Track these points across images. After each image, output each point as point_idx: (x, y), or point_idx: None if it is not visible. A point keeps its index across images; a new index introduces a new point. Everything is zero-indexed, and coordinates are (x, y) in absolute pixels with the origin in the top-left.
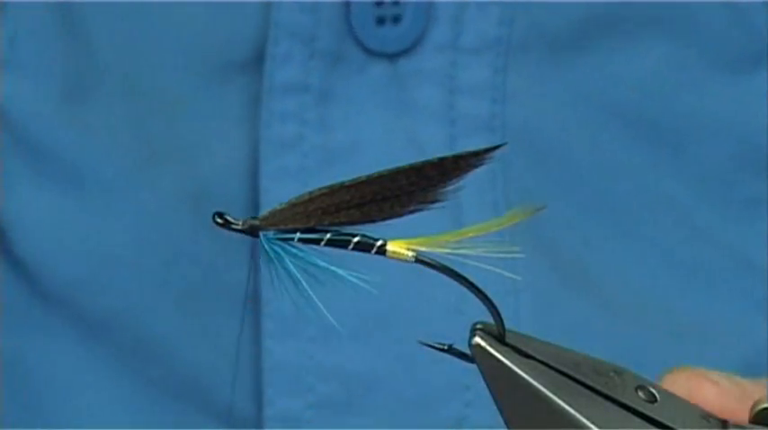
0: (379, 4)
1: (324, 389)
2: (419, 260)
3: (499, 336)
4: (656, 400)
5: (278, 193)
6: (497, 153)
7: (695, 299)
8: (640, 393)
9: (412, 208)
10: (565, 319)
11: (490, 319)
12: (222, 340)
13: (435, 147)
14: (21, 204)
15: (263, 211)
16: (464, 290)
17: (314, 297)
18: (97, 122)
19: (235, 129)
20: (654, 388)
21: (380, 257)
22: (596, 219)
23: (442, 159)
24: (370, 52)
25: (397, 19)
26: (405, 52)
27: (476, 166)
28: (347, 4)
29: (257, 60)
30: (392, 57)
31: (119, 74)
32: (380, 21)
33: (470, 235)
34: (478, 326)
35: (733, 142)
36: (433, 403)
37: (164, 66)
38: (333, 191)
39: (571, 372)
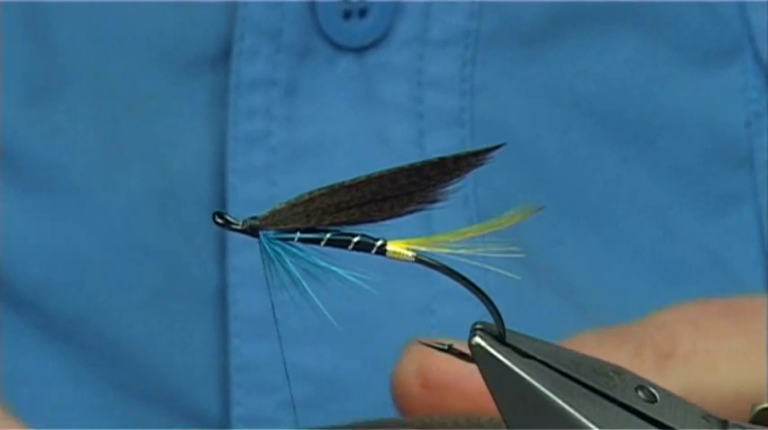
0: None
1: (293, 389)
2: (419, 260)
3: (499, 336)
4: (656, 400)
5: (245, 191)
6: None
7: (668, 298)
8: (640, 393)
9: (412, 208)
10: (537, 321)
11: (463, 319)
12: (190, 341)
13: (403, 142)
14: None
15: (263, 211)
16: (434, 289)
17: (314, 297)
18: (62, 123)
19: (202, 126)
20: (654, 388)
21: (351, 255)
22: (567, 217)
23: (442, 159)
24: (336, 46)
25: (363, 13)
26: (372, 46)
27: (476, 166)
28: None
29: (224, 56)
30: (359, 51)
31: (84, 73)
32: (347, 15)
33: (470, 235)
34: (478, 325)
35: (705, 138)
36: None
37: (130, 64)
38: (333, 191)
39: (571, 372)
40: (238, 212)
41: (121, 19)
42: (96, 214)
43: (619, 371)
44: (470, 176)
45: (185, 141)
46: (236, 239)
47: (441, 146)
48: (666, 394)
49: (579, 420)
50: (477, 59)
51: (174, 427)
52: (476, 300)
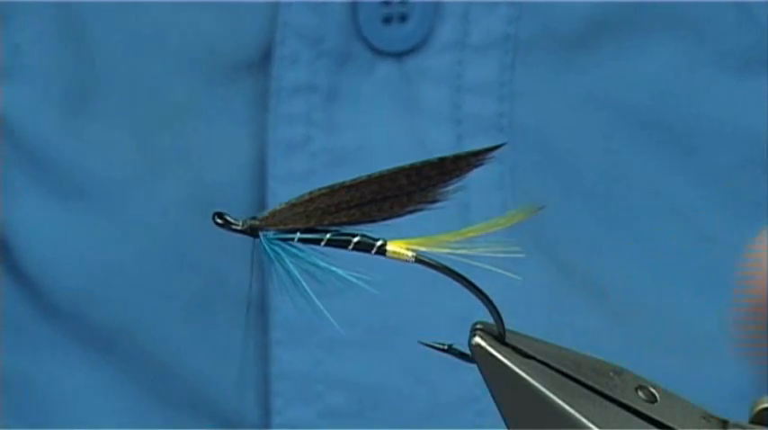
0: (386, 4)
1: (333, 398)
2: (419, 260)
3: (499, 336)
4: (656, 400)
5: (286, 197)
6: (504, 153)
7: (706, 307)
8: (640, 393)
9: (412, 208)
10: (575, 331)
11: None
12: (229, 350)
13: (442, 147)
14: (24, 217)
15: (263, 212)
16: (473, 297)
17: (314, 297)
18: (100, 132)
19: (240, 132)
20: (654, 388)
21: (392, 264)
22: (605, 223)
23: (442, 159)
24: (377, 51)
25: (404, 18)
26: (412, 51)
27: (476, 166)
28: (354, 4)
29: (261, 62)
30: (399, 56)
31: (120, 80)
32: (387, 20)
33: (471, 235)
34: (478, 325)
35: (744, 145)
36: (444, 413)
37: (166, 70)
38: (333, 191)
39: (571, 372)
40: None
41: (158, 25)
42: (135, 224)
43: (619, 371)
44: (508, 183)
45: (223, 148)
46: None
47: None
48: (666, 394)
49: (579, 420)
50: (516, 64)
51: None
52: (515, 309)
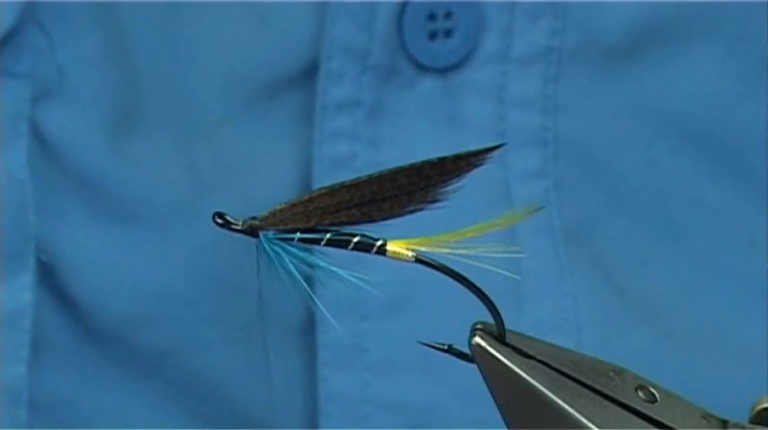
0: (431, 18)
1: (381, 419)
2: (419, 260)
3: (499, 336)
4: (656, 400)
5: None
6: (548, 167)
7: (756, 319)
8: (640, 393)
9: (412, 208)
10: (628, 351)
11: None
12: (277, 373)
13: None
14: (71, 241)
15: (263, 212)
16: (526, 320)
17: (314, 297)
18: (146, 153)
19: (284, 149)
20: (654, 388)
21: (443, 284)
22: (652, 236)
23: (442, 159)
24: (421, 67)
25: (448, 33)
26: (456, 66)
27: (476, 166)
28: (400, 20)
29: (304, 78)
30: (442, 71)
31: (166, 101)
32: (432, 35)
33: (471, 235)
34: (478, 325)
35: None
36: None
37: (210, 89)
38: (333, 191)
39: (571, 372)
40: None
41: (201, 43)
42: (180, 247)
43: (619, 371)
44: (554, 198)
45: (268, 165)
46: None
47: (524, 165)
48: (666, 394)
49: (579, 420)
50: (559, 77)
51: None
52: (565, 328)
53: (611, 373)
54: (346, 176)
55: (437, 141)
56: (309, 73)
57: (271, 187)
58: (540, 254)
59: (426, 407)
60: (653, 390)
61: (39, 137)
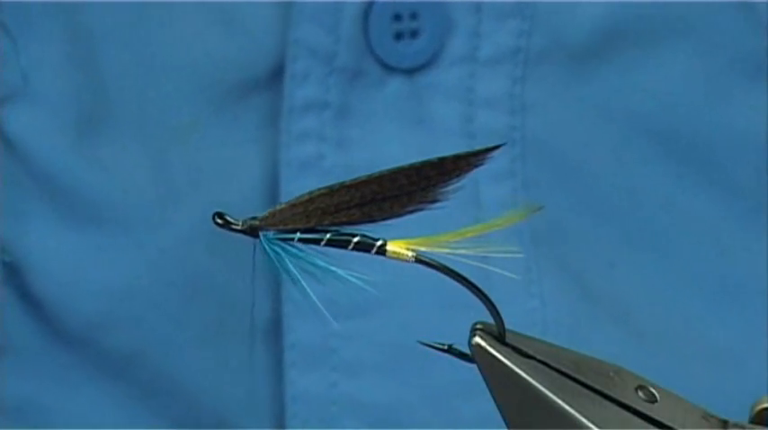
0: (396, 19)
1: (349, 420)
2: (419, 260)
3: (499, 336)
4: (656, 400)
5: None
6: (517, 167)
7: (727, 321)
8: (640, 393)
9: (412, 208)
10: (596, 352)
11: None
12: (244, 373)
13: None
14: (37, 243)
15: (263, 212)
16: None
17: (314, 297)
18: (112, 155)
19: (251, 151)
20: (654, 388)
21: (411, 283)
22: (620, 238)
23: (441, 159)
24: (388, 68)
25: (414, 34)
26: (423, 67)
27: (476, 166)
28: (365, 21)
29: (271, 80)
30: (410, 72)
31: (131, 103)
32: (398, 36)
33: (470, 235)
34: (478, 326)
35: (759, 153)
36: None
37: (176, 91)
38: (333, 191)
39: (571, 372)
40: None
41: (167, 45)
42: (148, 249)
43: (619, 371)
44: (522, 199)
45: (235, 168)
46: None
47: (492, 166)
48: (666, 394)
49: (579, 420)
50: (527, 77)
51: None
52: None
53: (611, 373)
54: (314, 178)
55: (405, 142)
56: (276, 75)
57: (239, 190)
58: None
59: (394, 408)
60: (653, 390)
61: (4, 139)
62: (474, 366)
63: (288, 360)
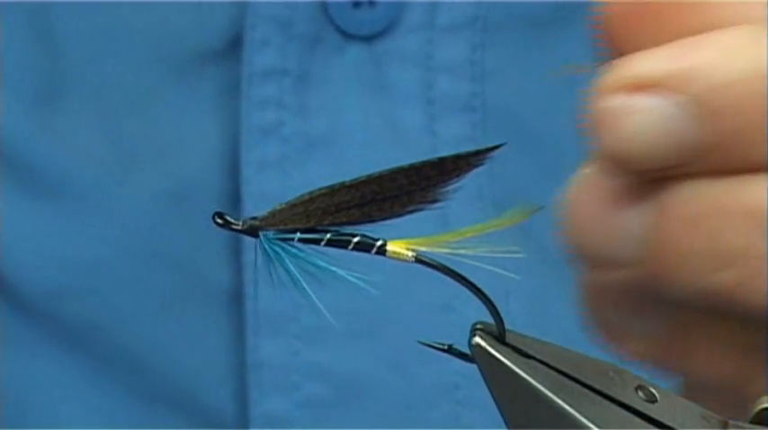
0: None
1: (311, 388)
2: (419, 260)
3: (499, 336)
4: (656, 400)
5: (259, 184)
6: (477, 135)
7: None
8: (640, 393)
9: (412, 208)
10: (555, 319)
11: (482, 316)
12: (206, 342)
13: (415, 129)
14: None
15: (264, 211)
16: (455, 288)
17: (314, 297)
18: (70, 127)
19: (211, 120)
20: (654, 388)
21: (373, 256)
22: None
23: (442, 159)
24: (346, 35)
25: (372, 2)
26: (381, 34)
27: (476, 166)
28: None
29: (230, 49)
30: (369, 39)
31: (89, 75)
32: (356, 4)
33: (470, 235)
34: (478, 326)
35: None
36: (423, 403)
37: (135, 61)
38: (333, 191)
39: (571, 372)
40: (253, 206)
41: (123, 16)
42: (107, 219)
43: (619, 371)
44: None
45: (195, 138)
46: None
47: (452, 132)
48: (666, 394)
49: (579, 420)
50: (486, 44)
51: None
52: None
53: (611, 373)
54: (274, 145)
55: (365, 109)
56: (235, 44)
57: (198, 159)
58: (469, 220)
59: (356, 376)
60: (653, 390)
61: None
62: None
63: (250, 328)
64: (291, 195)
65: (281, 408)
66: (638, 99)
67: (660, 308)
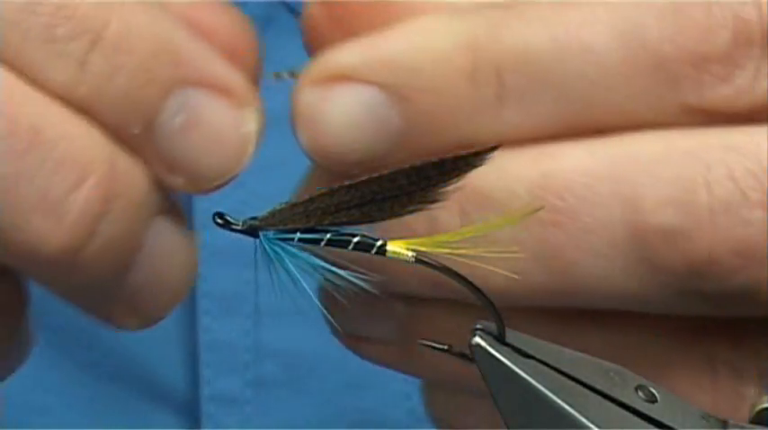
0: None
1: (262, 367)
2: (419, 260)
3: (499, 337)
4: (656, 400)
5: None
6: None
7: None
8: (640, 393)
9: (412, 208)
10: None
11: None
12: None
13: None
14: None
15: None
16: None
17: (313, 298)
18: None
19: None
20: (654, 388)
21: None
22: None
23: (442, 159)
24: (298, 14)
25: None
26: None
27: (476, 166)
28: None
29: None
30: None
31: None
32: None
33: (471, 235)
34: (478, 326)
35: None
36: (374, 381)
37: None
38: (333, 191)
39: (571, 372)
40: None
41: None
42: None
43: (619, 372)
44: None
45: None
46: (201, 215)
47: None
48: (666, 394)
49: (579, 420)
50: None
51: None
52: None
53: (611, 373)
54: None
55: None
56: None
57: None
58: None
59: (305, 353)
60: (653, 390)
61: None
62: None
63: (201, 308)
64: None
65: (231, 387)
66: (335, 91)
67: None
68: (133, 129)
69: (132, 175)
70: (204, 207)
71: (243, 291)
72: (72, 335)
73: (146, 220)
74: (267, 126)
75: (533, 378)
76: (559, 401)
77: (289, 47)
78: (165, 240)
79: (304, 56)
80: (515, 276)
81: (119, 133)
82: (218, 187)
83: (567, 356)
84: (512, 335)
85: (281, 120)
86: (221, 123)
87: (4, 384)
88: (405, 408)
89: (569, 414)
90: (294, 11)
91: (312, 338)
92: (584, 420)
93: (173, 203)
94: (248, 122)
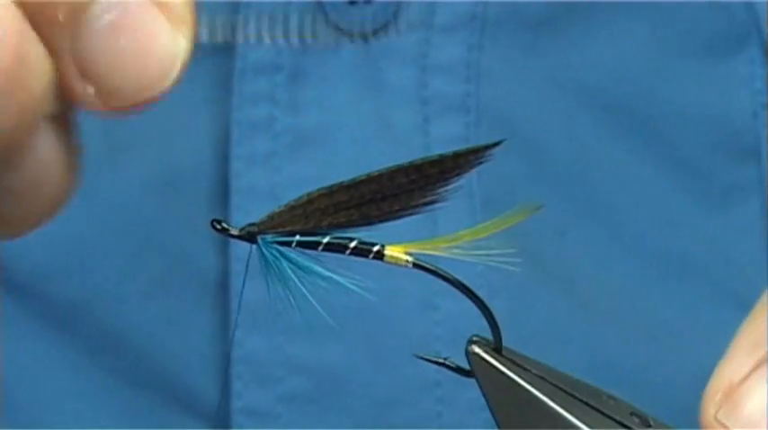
0: None
1: (293, 382)
2: (416, 265)
3: (496, 348)
4: (650, 426)
5: (249, 178)
6: (470, 134)
7: (669, 296)
8: (635, 418)
9: (412, 207)
10: (539, 318)
11: (464, 313)
12: (191, 330)
13: (408, 128)
14: None
15: (260, 212)
16: (438, 284)
17: (312, 300)
18: None
19: (205, 112)
20: (648, 416)
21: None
22: (571, 207)
23: (442, 157)
24: (342, 32)
25: (369, 0)
26: (377, 32)
27: (476, 165)
28: None
29: (225, 43)
30: (364, 36)
31: None
32: (352, 2)
33: (468, 238)
34: (475, 337)
35: (711, 129)
36: (405, 399)
37: None
38: (332, 191)
39: (567, 389)
40: (241, 200)
41: None
42: (98, 201)
43: (614, 397)
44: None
45: (187, 129)
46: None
47: (445, 132)
48: (661, 423)
49: (580, 428)
50: (483, 45)
51: (174, 419)
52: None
53: (605, 398)
54: (264, 140)
55: (359, 107)
56: (230, 38)
57: (189, 148)
58: (458, 219)
59: (338, 371)
60: (647, 418)
61: None
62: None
63: (234, 322)
64: (280, 191)
65: (261, 402)
66: None
67: None
68: (58, 13)
69: (39, 66)
70: (240, 220)
71: (276, 305)
72: (102, 341)
73: (36, 120)
74: (305, 143)
75: (531, 386)
76: (560, 409)
77: (330, 65)
78: (48, 148)
79: (344, 77)
80: (517, 270)
81: (40, 15)
82: (127, 109)
83: (561, 377)
84: (507, 352)
85: (318, 136)
86: (152, 34)
87: (37, 391)
88: (436, 426)
89: (568, 421)
90: (339, 29)
91: (343, 354)
92: (582, 426)
93: (62, 111)
94: (180, 42)
